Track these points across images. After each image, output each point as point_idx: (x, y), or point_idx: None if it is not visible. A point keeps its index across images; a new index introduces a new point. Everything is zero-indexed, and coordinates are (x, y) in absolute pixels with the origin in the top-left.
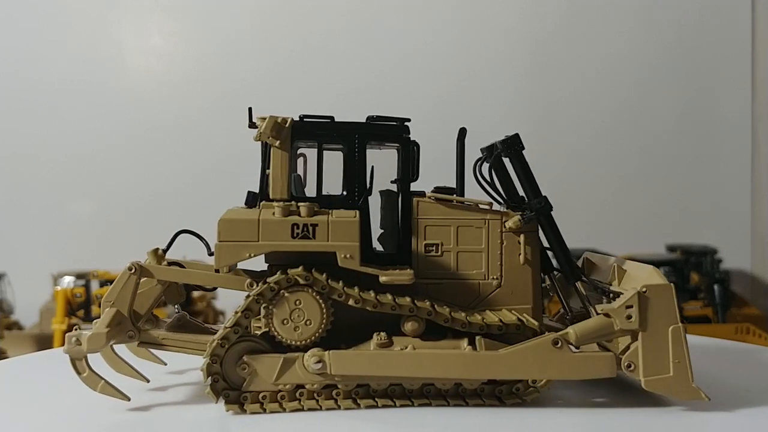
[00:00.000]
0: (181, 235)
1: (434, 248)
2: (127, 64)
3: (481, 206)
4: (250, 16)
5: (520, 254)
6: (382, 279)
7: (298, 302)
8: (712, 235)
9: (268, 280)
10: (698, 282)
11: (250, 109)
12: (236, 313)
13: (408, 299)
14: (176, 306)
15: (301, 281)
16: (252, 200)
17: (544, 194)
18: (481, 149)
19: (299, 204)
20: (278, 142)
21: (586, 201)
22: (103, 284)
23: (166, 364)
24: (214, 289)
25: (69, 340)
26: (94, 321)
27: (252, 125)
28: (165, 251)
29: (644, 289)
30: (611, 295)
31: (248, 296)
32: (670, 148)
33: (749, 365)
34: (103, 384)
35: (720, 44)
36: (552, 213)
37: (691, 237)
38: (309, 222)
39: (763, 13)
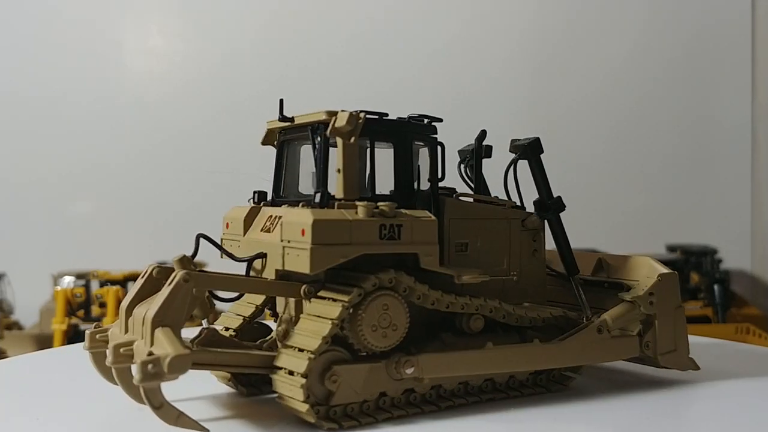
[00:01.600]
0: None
1: (464, 246)
2: (127, 64)
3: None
4: (250, 16)
5: (535, 251)
6: (464, 279)
7: (385, 307)
8: (712, 235)
9: (364, 285)
10: (698, 282)
11: (281, 101)
12: (332, 321)
13: (480, 298)
14: (205, 320)
15: (387, 284)
16: (263, 199)
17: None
18: (459, 151)
19: (379, 203)
20: (352, 138)
21: (586, 201)
22: (103, 284)
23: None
24: (240, 296)
25: (144, 367)
26: (134, 346)
27: (283, 118)
28: (193, 258)
29: (660, 278)
30: (606, 285)
31: (342, 303)
32: (670, 149)
33: (749, 365)
34: (180, 416)
35: (720, 45)
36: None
37: (691, 237)
38: (395, 222)
39: (763, 13)
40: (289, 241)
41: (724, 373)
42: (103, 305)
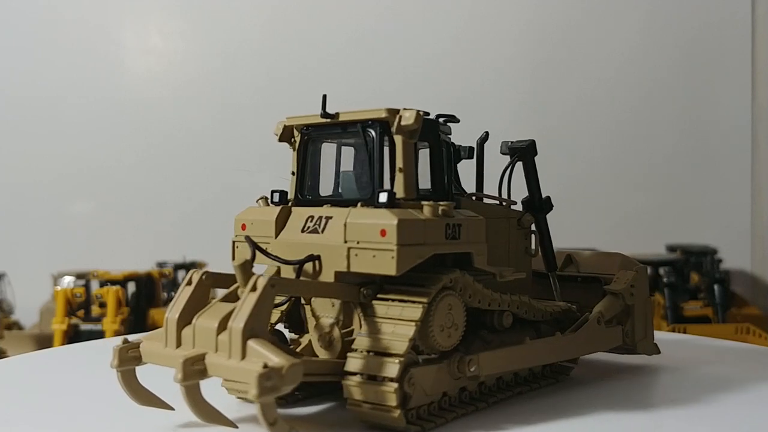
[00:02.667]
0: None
1: None
2: (127, 64)
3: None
4: (250, 16)
5: (526, 248)
6: (507, 276)
7: (449, 307)
8: (712, 235)
9: (437, 285)
10: (698, 282)
11: (324, 96)
12: (415, 323)
13: (510, 295)
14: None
15: (448, 284)
16: (283, 199)
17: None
18: (461, 147)
19: (439, 203)
20: (414, 136)
21: (586, 201)
22: (103, 284)
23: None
24: (288, 301)
25: (262, 381)
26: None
27: (326, 115)
28: (252, 263)
29: (637, 270)
30: (579, 279)
31: (422, 304)
32: (670, 149)
33: (749, 365)
34: (291, 429)
35: (720, 45)
36: (550, 212)
37: (691, 237)
38: (456, 222)
39: (763, 13)
40: (358, 242)
41: (724, 373)
42: (103, 305)
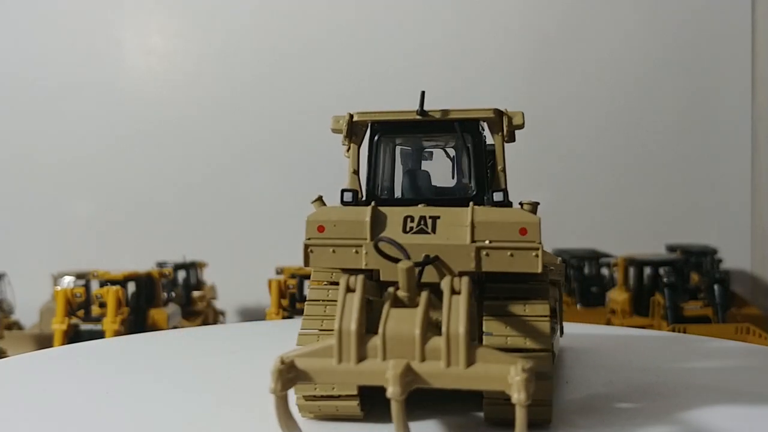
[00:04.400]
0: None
1: None
2: (127, 64)
3: None
4: (249, 15)
5: None
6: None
7: (554, 300)
8: (712, 235)
9: (547, 280)
10: (698, 282)
11: (422, 93)
12: (549, 319)
13: None
14: None
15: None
16: (354, 198)
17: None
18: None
19: (524, 203)
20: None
21: (586, 201)
22: (103, 284)
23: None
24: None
25: (528, 384)
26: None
27: (423, 113)
28: (421, 271)
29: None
30: None
31: (548, 302)
32: (670, 148)
33: (749, 365)
34: None
35: (720, 44)
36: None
37: (691, 237)
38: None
39: (763, 13)
40: (489, 242)
41: (724, 372)
42: (103, 305)
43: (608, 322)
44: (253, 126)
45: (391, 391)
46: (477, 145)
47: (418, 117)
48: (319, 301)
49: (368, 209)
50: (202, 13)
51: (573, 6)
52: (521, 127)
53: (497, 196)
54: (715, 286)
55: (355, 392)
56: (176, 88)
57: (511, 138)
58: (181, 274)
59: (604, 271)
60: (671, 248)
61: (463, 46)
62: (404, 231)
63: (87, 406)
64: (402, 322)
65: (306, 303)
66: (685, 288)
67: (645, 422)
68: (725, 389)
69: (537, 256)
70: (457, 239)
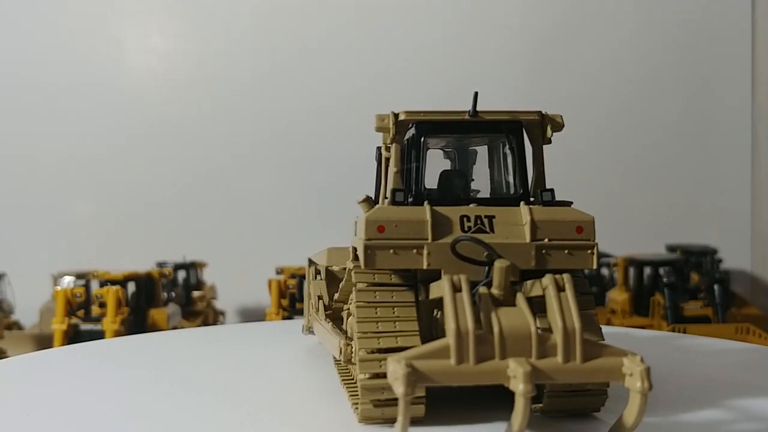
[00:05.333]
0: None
1: None
2: (127, 64)
3: None
4: (250, 15)
5: None
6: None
7: None
8: (712, 235)
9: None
10: (698, 282)
11: (476, 94)
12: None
13: None
14: None
15: None
16: (405, 198)
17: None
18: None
19: (564, 201)
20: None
21: (585, 201)
22: (103, 284)
23: None
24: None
25: (648, 374)
26: None
27: (475, 113)
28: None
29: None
30: None
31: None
32: (670, 148)
33: (749, 365)
34: None
35: (720, 44)
36: None
37: (691, 237)
38: None
39: (763, 13)
40: (548, 240)
41: (724, 373)
42: (103, 305)
43: (608, 322)
44: (253, 126)
45: (522, 388)
46: (521, 145)
47: (466, 118)
48: (370, 303)
49: (427, 209)
50: (202, 13)
51: (573, 6)
52: (561, 128)
53: (546, 196)
54: (715, 286)
55: (424, 393)
56: (176, 88)
57: (549, 140)
58: (181, 274)
59: (604, 271)
60: (671, 248)
61: (463, 46)
62: (462, 230)
63: (87, 406)
64: (513, 320)
65: (356, 306)
66: (685, 288)
67: (645, 422)
68: (725, 389)
69: (593, 253)
70: (517, 238)
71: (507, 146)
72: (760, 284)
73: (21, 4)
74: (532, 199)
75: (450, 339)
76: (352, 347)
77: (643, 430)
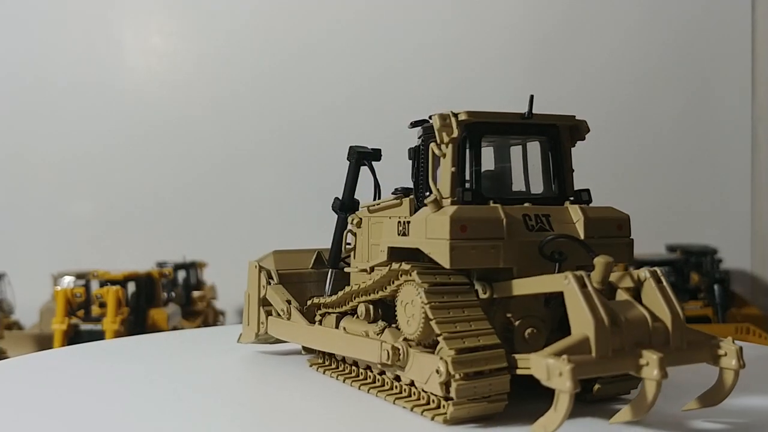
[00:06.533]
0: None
1: None
2: (127, 64)
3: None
4: (250, 15)
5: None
6: None
7: None
8: (712, 235)
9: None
10: (698, 282)
11: (531, 97)
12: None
13: None
14: None
15: None
16: (476, 198)
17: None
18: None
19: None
20: None
21: None
22: (103, 284)
23: None
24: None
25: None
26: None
27: (530, 116)
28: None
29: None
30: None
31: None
32: (670, 148)
33: (749, 365)
34: None
35: (720, 44)
36: None
37: (691, 237)
38: None
39: (763, 13)
40: (597, 237)
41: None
42: (103, 305)
43: None
44: (253, 126)
45: (656, 374)
46: (564, 147)
47: (521, 119)
48: (443, 303)
49: (499, 207)
50: (202, 13)
51: (573, 6)
52: (587, 133)
53: (585, 196)
54: (715, 286)
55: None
56: (176, 88)
57: (574, 144)
58: (181, 274)
59: None
60: (671, 248)
61: (463, 46)
62: (527, 228)
63: (87, 407)
64: (631, 311)
65: (429, 308)
66: (685, 288)
67: (645, 421)
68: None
69: (630, 247)
70: (573, 235)
71: (552, 147)
72: (760, 284)
73: (21, 4)
74: (571, 198)
75: (590, 333)
76: (401, 350)
77: (644, 429)
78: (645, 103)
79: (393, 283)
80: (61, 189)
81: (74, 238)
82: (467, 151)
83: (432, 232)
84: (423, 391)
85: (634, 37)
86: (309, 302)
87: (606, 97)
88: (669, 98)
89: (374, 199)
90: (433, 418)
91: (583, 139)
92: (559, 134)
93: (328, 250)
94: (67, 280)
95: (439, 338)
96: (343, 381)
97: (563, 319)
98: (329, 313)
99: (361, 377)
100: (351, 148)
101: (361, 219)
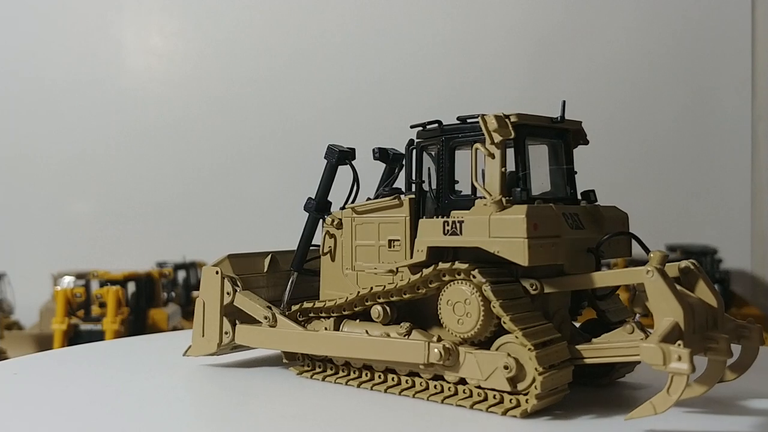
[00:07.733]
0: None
1: None
2: (127, 64)
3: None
4: (249, 15)
5: None
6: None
7: None
8: (712, 235)
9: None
10: None
11: (564, 103)
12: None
13: None
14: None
15: None
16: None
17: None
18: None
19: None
20: None
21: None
22: (103, 284)
23: None
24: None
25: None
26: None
27: (563, 120)
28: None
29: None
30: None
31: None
32: (670, 148)
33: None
34: None
35: (720, 44)
36: None
37: (691, 237)
38: None
39: (763, 13)
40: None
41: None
42: (103, 305)
43: None
44: (253, 126)
45: (725, 354)
46: (571, 150)
47: (553, 123)
48: (511, 302)
49: (553, 206)
50: (202, 13)
51: (573, 6)
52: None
53: (592, 196)
54: (715, 286)
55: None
56: (176, 88)
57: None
58: (181, 274)
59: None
60: (671, 248)
61: (463, 46)
62: (570, 227)
63: (87, 407)
64: (697, 298)
65: (499, 303)
66: None
67: (645, 421)
68: (725, 388)
69: (630, 243)
70: (596, 233)
71: (566, 150)
72: (760, 284)
73: (22, 4)
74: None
75: (680, 319)
76: (452, 350)
77: (644, 428)
78: (645, 103)
79: (431, 283)
80: (61, 189)
81: (74, 238)
82: (515, 151)
83: (500, 231)
84: (479, 388)
85: (634, 37)
86: (297, 307)
87: (606, 97)
88: (669, 98)
89: (350, 200)
90: (504, 413)
91: (587, 143)
92: (571, 137)
93: (282, 252)
94: (67, 280)
95: (516, 335)
96: (358, 386)
97: (546, 312)
98: (319, 318)
99: (380, 381)
100: (330, 146)
101: (340, 220)
